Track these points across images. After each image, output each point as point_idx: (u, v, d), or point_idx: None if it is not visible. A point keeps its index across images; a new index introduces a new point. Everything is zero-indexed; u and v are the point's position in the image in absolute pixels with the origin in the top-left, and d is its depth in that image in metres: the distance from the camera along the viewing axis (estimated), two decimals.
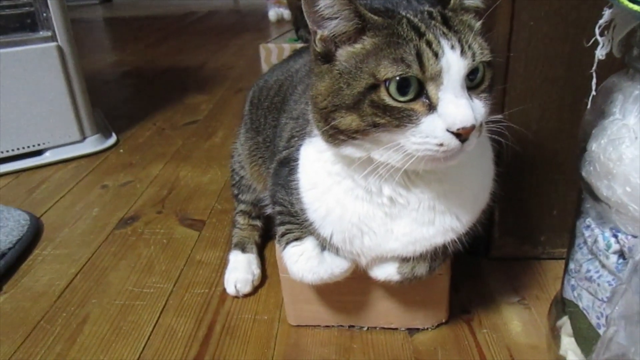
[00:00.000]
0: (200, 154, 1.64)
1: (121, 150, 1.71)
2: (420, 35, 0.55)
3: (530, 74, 0.88)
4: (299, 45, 1.98)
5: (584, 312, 0.68)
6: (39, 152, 1.62)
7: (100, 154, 1.68)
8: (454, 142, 0.55)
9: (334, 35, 0.58)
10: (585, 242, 0.68)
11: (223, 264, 1.07)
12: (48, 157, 1.62)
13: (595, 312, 0.66)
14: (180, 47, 3.39)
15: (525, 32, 0.85)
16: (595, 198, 0.63)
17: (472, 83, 0.57)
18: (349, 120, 0.58)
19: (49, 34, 1.56)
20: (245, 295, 0.97)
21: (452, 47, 0.54)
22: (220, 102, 2.14)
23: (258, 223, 1.09)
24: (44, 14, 1.55)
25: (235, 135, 1.14)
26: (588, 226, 0.66)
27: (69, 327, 0.92)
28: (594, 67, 0.71)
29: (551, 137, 0.92)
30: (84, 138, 1.69)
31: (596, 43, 0.70)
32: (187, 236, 1.19)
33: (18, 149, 1.58)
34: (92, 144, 1.69)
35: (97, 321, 0.93)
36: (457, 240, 0.71)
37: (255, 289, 0.99)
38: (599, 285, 0.64)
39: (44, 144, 1.62)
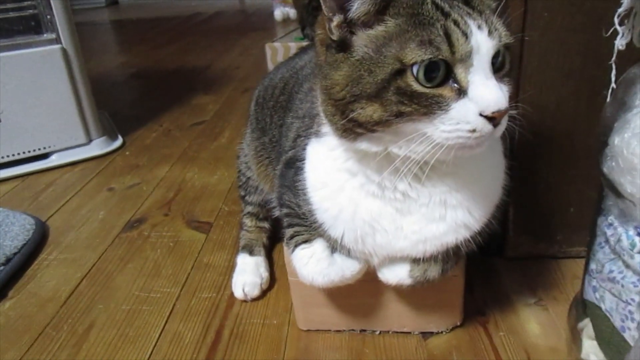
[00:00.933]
0: (207, 154, 1.63)
1: (127, 153, 1.70)
2: (446, 15, 0.52)
3: (545, 66, 0.85)
4: (305, 43, 1.95)
5: (607, 314, 0.65)
6: (45, 155, 1.61)
7: (107, 156, 1.67)
8: (487, 126, 0.52)
9: (353, 18, 0.54)
10: (607, 241, 0.65)
11: (231, 267, 1.05)
12: (54, 160, 1.61)
13: (619, 314, 0.63)
14: (186, 48, 3.38)
15: (540, 23, 0.82)
16: (618, 195, 0.60)
17: (494, 66, 0.54)
18: (370, 111, 0.54)
19: (53, 36, 1.55)
20: (254, 299, 0.95)
21: (479, 27, 0.52)
22: (227, 103, 2.12)
23: (266, 225, 1.07)
24: (48, 17, 1.54)
25: (242, 135, 1.11)
26: (610, 224, 0.63)
27: (75, 333, 0.90)
28: (613, 58, 0.68)
29: (567, 131, 0.89)
30: (90, 141, 1.67)
31: (614, 33, 0.67)
32: (194, 239, 1.17)
33: (24, 152, 1.57)
34: (98, 147, 1.68)
35: (103, 327, 0.91)
36: (470, 239, 0.68)
37: (264, 293, 0.97)
38: (622, 286, 0.61)
39: (50, 147, 1.61)
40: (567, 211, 0.95)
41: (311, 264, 0.72)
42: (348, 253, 0.71)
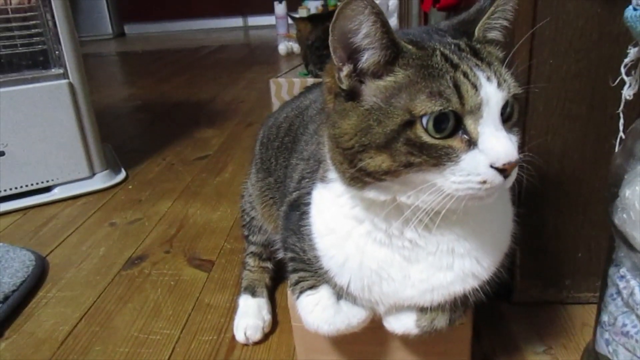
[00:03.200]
0: (210, 190, 1.62)
1: (130, 186, 1.69)
2: (455, 66, 0.52)
3: (551, 112, 0.85)
4: (309, 79, 1.97)
5: None
6: (47, 189, 1.60)
7: (109, 190, 1.67)
8: (498, 178, 0.51)
9: (363, 68, 0.55)
10: (619, 293, 0.63)
11: (232, 307, 1.03)
12: (56, 193, 1.60)
13: None
14: (191, 81, 3.42)
15: (545, 69, 0.83)
16: (630, 247, 0.59)
17: (503, 117, 0.54)
18: (379, 161, 0.54)
19: (61, 71, 1.57)
20: (256, 343, 0.93)
21: (488, 78, 0.52)
22: (231, 137, 2.13)
23: (269, 265, 1.05)
24: (57, 52, 1.56)
25: (246, 173, 1.11)
26: (623, 277, 0.62)
27: None
28: (621, 107, 0.68)
29: (574, 176, 0.89)
30: (93, 174, 1.67)
31: (622, 82, 0.68)
32: (195, 277, 1.16)
33: (27, 185, 1.57)
34: (101, 180, 1.68)
35: None
36: (478, 289, 0.67)
37: (266, 336, 0.94)
38: (637, 341, 0.60)
39: (52, 180, 1.60)
40: (575, 256, 0.94)
41: (317, 311, 0.70)
42: (354, 301, 0.70)
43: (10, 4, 1.52)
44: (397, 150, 0.52)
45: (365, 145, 0.54)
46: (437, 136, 0.51)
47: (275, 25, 5.15)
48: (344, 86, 0.56)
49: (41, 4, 1.52)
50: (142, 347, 0.94)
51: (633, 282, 0.60)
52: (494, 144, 0.51)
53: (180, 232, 1.36)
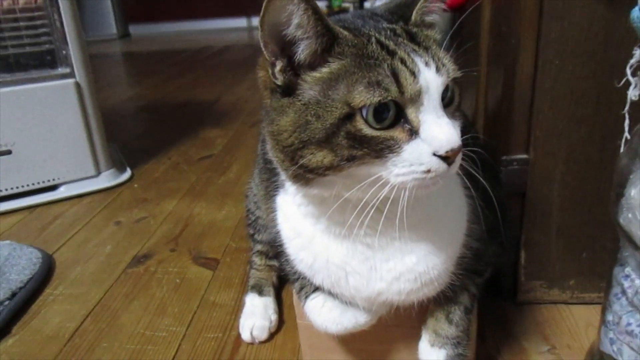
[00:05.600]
0: (215, 189, 1.63)
1: (136, 185, 1.70)
2: (392, 53, 0.50)
3: (556, 113, 0.85)
4: None
5: None
6: (53, 187, 1.62)
7: (115, 189, 1.68)
8: (442, 166, 0.50)
9: (300, 60, 0.53)
10: (624, 293, 0.64)
11: (238, 305, 1.03)
12: (63, 192, 1.61)
13: None
14: (196, 81, 3.43)
15: (551, 71, 0.83)
16: (635, 247, 0.59)
17: (444, 102, 0.52)
18: (320, 157, 0.52)
19: (68, 70, 1.58)
20: (261, 342, 0.93)
21: (427, 64, 0.50)
22: (236, 136, 2.14)
23: (275, 263, 1.05)
24: (64, 51, 1.57)
25: (250, 173, 1.12)
26: (627, 276, 0.62)
27: None
28: (626, 108, 0.69)
29: (579, 177, 0.89)
30: (99, 173, 1.68)
31: (627, 82, 0.68)
32: (200, 276, 1.16)
33: (33, 184, 1.58)
34: (106, 179, 1.69)
35: None
36: (444, 270, 0.65)
37: (272, 335, 0.95)
38: None
39: (59, 178, 1.61)
40: (580, 257, 0.94)
41: (324, 313, 0.71)
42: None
43: (18, 3, 1.54)
44: (338, 145, 0.51)
45: (305, 142, 0.52)
46: (378, 127, 0.50)
47: None
48: (279, 82, 0.54)
49: (48, 4, 1.53)
50: (148, 344, 0.95)
51: (638, 282, 0.60)
52: (436, 132, 0.50)
53: (186, 231, 1.37)
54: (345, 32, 0.52)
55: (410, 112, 0.50)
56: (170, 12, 6.33)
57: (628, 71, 0.66)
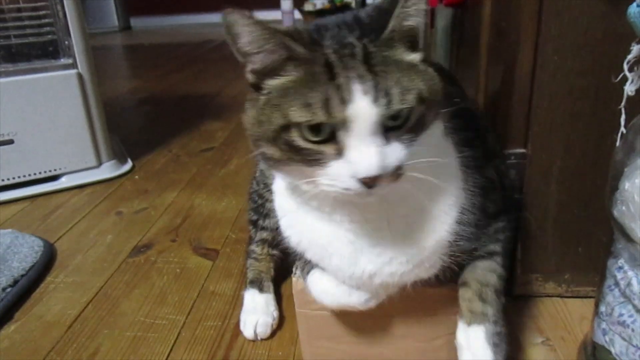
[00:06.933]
0: (215, 181, 1.64)
1: (136, 177, 1.71)
2: (333, 77, 0.52)
3: (554, 109, 0.86)
4: None
5: (617, 358, 0.64)
6: (55, 177, 1.63)
7: (116, 180, 1.69)
8: (360, 188, 0.53)
9: (256, 70, 0.57)
10: (617, 284, 0.65)
11: (237, 295, 1.05)
12: (64, 182, 1.63)
13: (629, 358, 0.62)
14: (197, 74, 3.44)
15: (550, 66, 0.84)
16: (629, 239, 0.61)
17: (395, 123, 0.53)
18: (271, 151, 0.57)
19: (70, 61, 1.58)
20: (263, 339, 0.93)
21: (365, 92, 0.51)
22: (236, 130, 2.15)
23: (277, 252, 1.04)
24: (66, 42, 1.58)
25: (254, 163, 1.12)
26: (620, 268, 0.63)
27: (79, 359, 0.90)
28: (622, 103, 0.70)
29: (576, 172, 0.90)
30: (100, 164, 1.69)
31: (624, 78, 0.69)
32: (200, 266, 1.17)
33: (35, 173, 1.59)
34: (108, 170, 1.70)
35: (108, 353, 0.91)
36: (447, 253, 0.68)
37: (273, 332, 0.95)
38: (633, 330, 0.61)
39: (60, 169, 1.62)
40: (576, 251, 0.95)
41: (320, 284, 0.73)
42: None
43: None
44: (281, 147, 0.55)
45: (261, 136, 0.57)
46: (314, 139, 0.53)
47: (281, 21, 5.17)
48: (250, 80, 0.59)
49: None
50: (148, 332, 0.96)
51: (630, 273, 0.61)
52: (357, 158, 0.52)
53: (186, 222, 1.38)
54: (300, 49, 0.54)
55: (340, 134, 0.53)
56: (171, 5, 6.33)
57: (625, 66, 0.67)
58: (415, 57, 0.57)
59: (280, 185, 0.73)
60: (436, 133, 0.61)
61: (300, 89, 0.53)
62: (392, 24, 0.55)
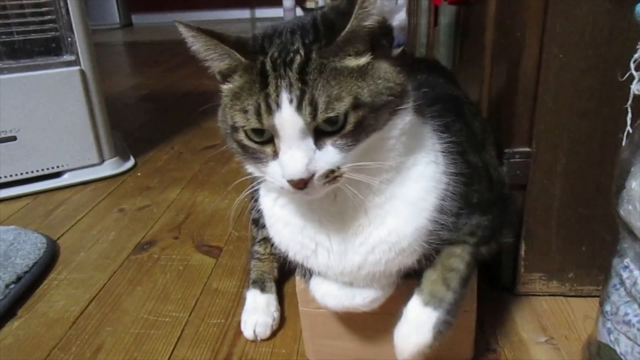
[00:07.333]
0: (218, 178, 1.64)
1: (139, 174, 1.71)
2: (265, 85, 0.56)
3: (559, 107, 0.86)
4: None
5: (622, 357, 0.64)
6: (57, 174, 1.63)
7: (118, 177, 1.69)
8: (292, 189, 0.57)
9: (217, 72, 0.61)
10: (622, 283, 0.65)
11: (240, 293, 1.05)
12: (66, 179, 1.63)
13: (634, 358, 0.62)
14: (198, 71, 3.37)
15: (555, 65, 0.84)
16: (635, 238, 0.61)
17: (331, 128, 0.56)
18: (234, 146, 0.62)
19: (73, 58, 1.58)
20: (263, 340, 0.93)
21: (291, 101, 0.54)
22: None
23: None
24: (69, 39, 1.57)
25: None
26: (626, 267, 0.63)
27: (83, 356, 0.90)
28: (629, 102, 0.69)
29: (580, 171, 0.90)
30: (102, 161, 1.69)
31: (630, 76, 0.69)
32: (203, 263, 1.18)
33: (37, 170, 1.59)
34: (110, 167, 1.70)
35: (111, 350, 0.91)
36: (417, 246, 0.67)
37: (274, 332, 0.94)
38: (638, 330, 0.61)
39: (63, 166, 1.63)
40: (579, 250, 0.95)
41: (324, 286, 0.73)
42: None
43: None
44: (234, 144, 0.61)
45: (224, 133, 0.63)
46: (257, 140, 0.58)
47: (283, 18, 5.17)
48: (218, 78, 0.63)
49: None
50: (151, 329, 0.96)
51: (636, 272, 0.61)
52: (285, 161, 0.56)
53: (189, 219, 1.38)
54: (241, 58, 0.58)
55: (275, 138, 0.57)
56: (172, 2, 6.31)
57: (632, 65, 0.67)
58: (363, 60, 0.57)
59: (262, 189, 0.74)
60: (397, 130, 0.61)
61: (242, 96, 0.58)
62: (350, 25, 0.56)
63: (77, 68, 1.58)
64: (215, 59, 0.59)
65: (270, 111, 0.55)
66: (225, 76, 0.61)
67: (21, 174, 1.57)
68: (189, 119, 2.27)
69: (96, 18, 5.61)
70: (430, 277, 0.72)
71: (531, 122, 0.89)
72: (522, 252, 0.96)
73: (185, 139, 2.03)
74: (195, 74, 3.33)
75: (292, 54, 0.56)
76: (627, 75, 0.69)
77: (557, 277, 0.98)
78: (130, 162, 1.78)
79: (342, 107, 0.55)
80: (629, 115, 0.68)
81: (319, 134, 0.56)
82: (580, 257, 0.96)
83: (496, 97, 1.00)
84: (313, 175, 0.56)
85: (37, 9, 1.55)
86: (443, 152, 0.69)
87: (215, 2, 6.21)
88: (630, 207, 0.60)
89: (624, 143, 0.67)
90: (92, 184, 1.64)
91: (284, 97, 0.54)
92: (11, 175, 1.56)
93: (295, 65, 0.55)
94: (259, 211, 1.03)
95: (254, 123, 0.56)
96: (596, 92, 0.84)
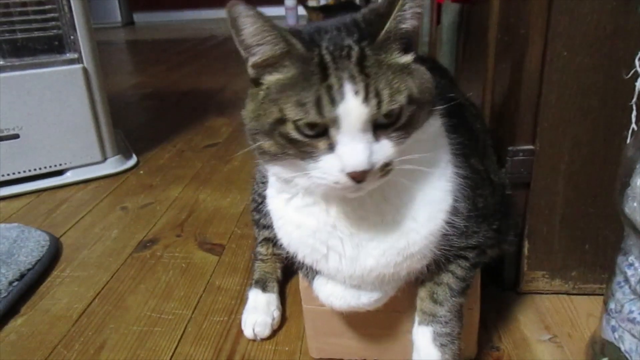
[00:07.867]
0: (220, 177, 1.64)
1: (141, 172, 1.72)
2: (326, 77, 0.55)
3: (563, 105, 0.86)
4: None
5: (626, 355, 0.64)
6: (60, 172, 1.63)
7: (121, 175, 1.69)
8: (349, 182, 0.55)
9: (257, 63, 0.59)
10: (627, 281, 0.65)
11: (243, 290, 1.05)
12: (69, 177, 1.63)
13: (639, 355, 0.62)
14: (200, 70, 3.44)
15: (559, 63, 0.84)
16: (639, 235, 0.60)
17: (386, 121, 0.56)
18: (268, 145, 0.59)
19: (76, 56, 1.58)
20: (263, 339, 0.93)
21: (357, 92, 0.54)
22: (240, 126, 2.10)
23: (281, 251, 1.04)
24: (72, 37, 1.57)
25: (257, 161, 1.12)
26: (631, 264, 0.63)
27: (86, 353, 0.90)
28: (634, 99, 0.69)
29: (584, 169, 0.90)
30: (105, 159, 1.69)
31: (635, 74, 0.69)
32: (206, 261, 1.18)
33: (40, 168, 1.59)
34: (112, 165, 1.70)
35: (114, 348, 0.91)
36: (426, 248, 0.68)
37: (274, 332, 0.94)
38: None
39: (65, 164, 1.63)
40: (583, 248, 0.95)
41: (329, 287, 0.73)
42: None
43: None
44: (277, 140, 0.58)
45: (258, 130, 0.59)
46: (308, 133, 0.56)
47: (284, 17, 5.16)
48: (250, 75, 0.61)
49: None
50: (154, 326, 0.96)
51: None
52: (346, 153, 0.54)
53: (191, 217, 1.38)
54: (299, 45, 0.56)
55: (332, 130, 0.55)
56: (174, 1, 6.31)
57: (637, 63, 0.67)
58: (408, 58, 0.59)
59: (271, 190, 0.74)
60: (430, 130, 0.63)
61: (296, 87, 0.56)
62: (387, 26, 0.57)
63: (79, 66, 1.58)
64: (269, 43, 0.57)
65: (333, 103, 0.54)
66: (269, 67, 0.58)
67: (24, 171, 1.57)
68: (190, 117, 2.27)
69: (98, 16, 5.60)
70: (421, 294, 0.74)
71: (535, 120, 0.88)
72: (526, 251, 0.96)
73: (187, 137, 2.03)
74: (197, 72, 3.34)
75: (347, 49, 0.56)
76: (631, 72, 0.69)
77: (560, 275, 0.98)
78: (133, 160, 1.78)
79: (402, 99, 0.55)
80: (634, 113, 0.68)
81: (376, 127, 0.56)
82: (584, 255, 0.96)
83: (500, 95, 1.00)
84: (372, 167, 0.55)
85: (39, 7, 1.54)
86: (453, 152, 0.70)
87: (216, 0, 6.19)
88: (634, 204, 0.60)
89: (628, 141, 0.67)
90: (94, 182, 1.64)
91: (348, 88, 0.54)
92: (14, 173, 1.56)
93: (354, 59, 0.55)
94: (260, 212, 1.04)
95: (312, 116, 0.54)
96: (600, 90, 0.84)
